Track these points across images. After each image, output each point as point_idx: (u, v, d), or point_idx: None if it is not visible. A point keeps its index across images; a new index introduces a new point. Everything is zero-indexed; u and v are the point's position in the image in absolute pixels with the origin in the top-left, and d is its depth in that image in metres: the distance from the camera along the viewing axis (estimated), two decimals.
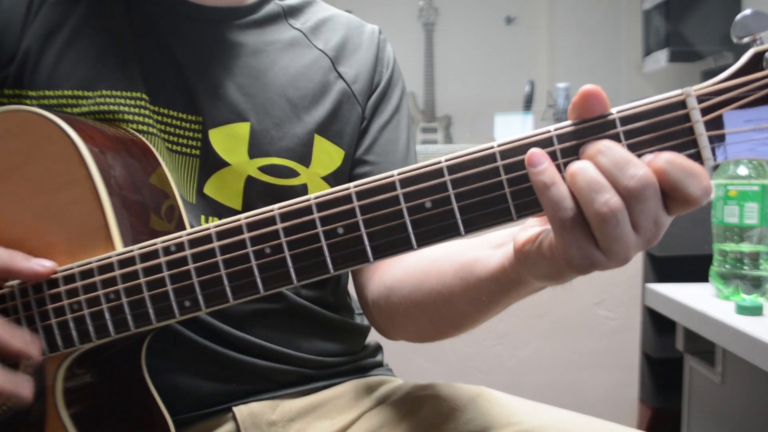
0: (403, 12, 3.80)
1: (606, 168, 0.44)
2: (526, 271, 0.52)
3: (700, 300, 1.30)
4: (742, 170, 1.25)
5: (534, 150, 0.46)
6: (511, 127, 3.72)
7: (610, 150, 0.45)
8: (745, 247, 1.24)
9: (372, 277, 0.74)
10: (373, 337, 0.85)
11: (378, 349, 0.85)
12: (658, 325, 1.62)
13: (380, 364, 0.83)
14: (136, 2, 0.70)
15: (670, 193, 0.44)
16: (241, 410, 0.70)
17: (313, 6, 0.81)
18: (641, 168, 0.44)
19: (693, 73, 3.10)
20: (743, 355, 1.08)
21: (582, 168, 0.45)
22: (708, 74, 2.41)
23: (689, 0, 3.00)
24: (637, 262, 1.67)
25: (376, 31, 0.83)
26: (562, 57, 3.90)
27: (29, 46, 0.67)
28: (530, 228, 0.51)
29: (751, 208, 1.24)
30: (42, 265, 0.58)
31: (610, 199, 0.44)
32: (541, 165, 0.45)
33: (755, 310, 1.15)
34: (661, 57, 3.15)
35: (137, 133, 0.67)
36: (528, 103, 3.43)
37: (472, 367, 1.73)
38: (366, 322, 0.82)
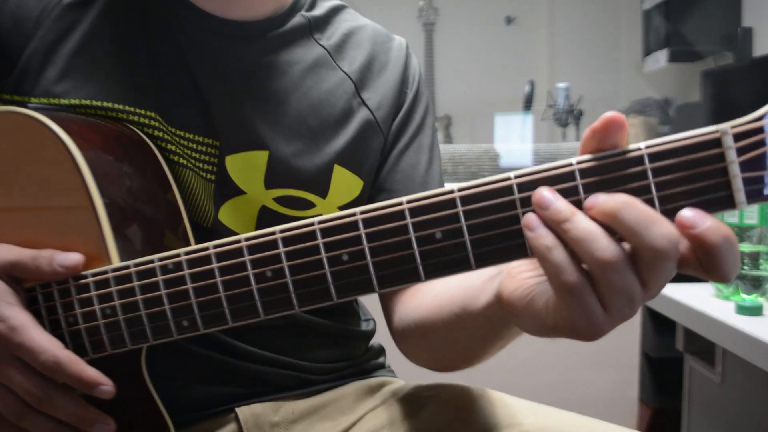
0: (403, 12, 3.79)
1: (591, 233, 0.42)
2: (512, 321, 0.50)
3: (700, 300, 1.30)
4: None
5: (529, 216, 0.43)
6: (512, 127, 3.72)
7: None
8: (745, 247, 1.24)
9: (396, 304, 0.73)
10: (377, 339, 0.84)
11: (381, 351, 0.85)
12: (658, 325, 1.62)
13: (382, 366, 0.83)
14: (155, 10, 0.67)
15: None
16: (243, 411, 0.70)
17: (340, 14, 0.78)
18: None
19: (693, 73, 3.10)
20: (743, 355, 1.08)
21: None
22: (708, 74, 2.40)
23: (689, 0, 3.00)
24: None
25: (403, 46, 0.80)
26: (562, 57, 3.90)
27: (36, 48, 0.64)
28: (518, 276, 0.48)
29: (751, 208, 1.24)
30: (63, 266, 0.55)
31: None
32: (537, 230, 0.43)
33: (755, 310, 1.15)
34: (661, 57, 3.15)
35: (141, 133, 0.65)
36: (528, 103, 3.43)
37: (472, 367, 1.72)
38: (371, 327, 0.82)
